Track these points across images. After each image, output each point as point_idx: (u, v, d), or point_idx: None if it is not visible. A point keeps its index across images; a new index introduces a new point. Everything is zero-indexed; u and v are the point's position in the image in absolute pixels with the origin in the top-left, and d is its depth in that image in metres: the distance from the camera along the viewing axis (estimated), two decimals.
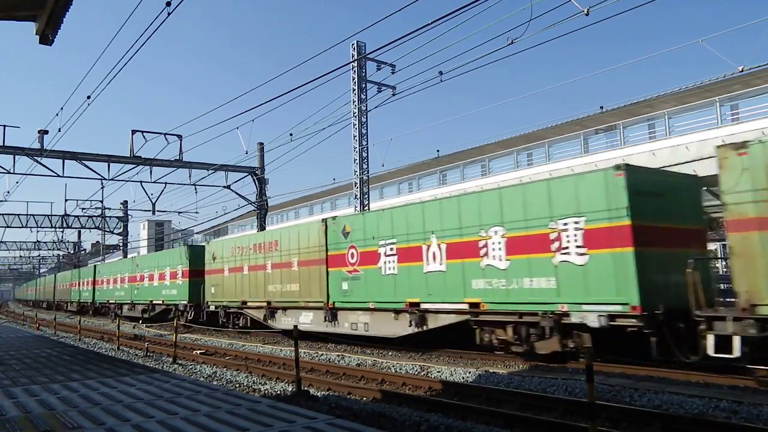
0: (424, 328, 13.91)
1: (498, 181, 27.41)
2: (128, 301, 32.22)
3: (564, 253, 11.00)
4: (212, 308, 22.64)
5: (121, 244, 45.95)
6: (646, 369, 10.37)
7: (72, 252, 61.53)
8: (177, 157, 24.81)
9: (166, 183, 26.30)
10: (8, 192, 27.87)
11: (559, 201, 11.18)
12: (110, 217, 44.29)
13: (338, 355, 14.25)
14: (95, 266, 40.63)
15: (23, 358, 8.92)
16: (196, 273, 24.13)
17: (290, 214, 53.36)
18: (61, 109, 18.08)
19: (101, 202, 42.72)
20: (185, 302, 24.60)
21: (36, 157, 22.57)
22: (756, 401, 7.65)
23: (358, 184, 22.26)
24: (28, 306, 66.68)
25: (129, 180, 25.42)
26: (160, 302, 27.48)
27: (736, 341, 8.76)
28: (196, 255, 24.66)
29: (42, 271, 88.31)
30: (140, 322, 29.02)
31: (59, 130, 19.26)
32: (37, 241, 54.08)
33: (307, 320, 17.51)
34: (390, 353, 14.52)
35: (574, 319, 10.75)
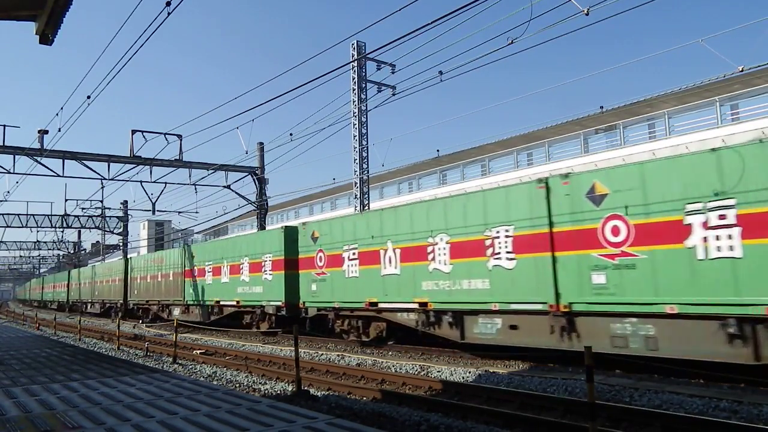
0: None
1: (498, 180, 27.41)
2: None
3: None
4: None
5: (121, 244, 45.92)
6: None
7: (72, 252, 61.52)
8: (177, 157, 24.77)
9: (166, 183, 26.24)
10: (8, 192, 27.86)
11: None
12: (110, 217, 44.21)
13: (338, 355, 14.25)
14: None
15: (23, 358, 8.93)
16: None
17: (290, 214, 53.39)
18: (61, 109, 18.05)
19: (101, 202, 42.70)
20: None
21: (36, 157, 22.55)
22: (756, 401, 7.66)
23: (358, 184, 22.25)
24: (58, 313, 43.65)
25: (129, 180, 25.35)
26: None
27: None
28: None
29: (42, 271, 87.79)
30: (141, 322, 28.85)
31: (59, 130, 19.24)
32: (37, 241, 54.00)
33: None
34: (390, 353, 14.52)
35: None
